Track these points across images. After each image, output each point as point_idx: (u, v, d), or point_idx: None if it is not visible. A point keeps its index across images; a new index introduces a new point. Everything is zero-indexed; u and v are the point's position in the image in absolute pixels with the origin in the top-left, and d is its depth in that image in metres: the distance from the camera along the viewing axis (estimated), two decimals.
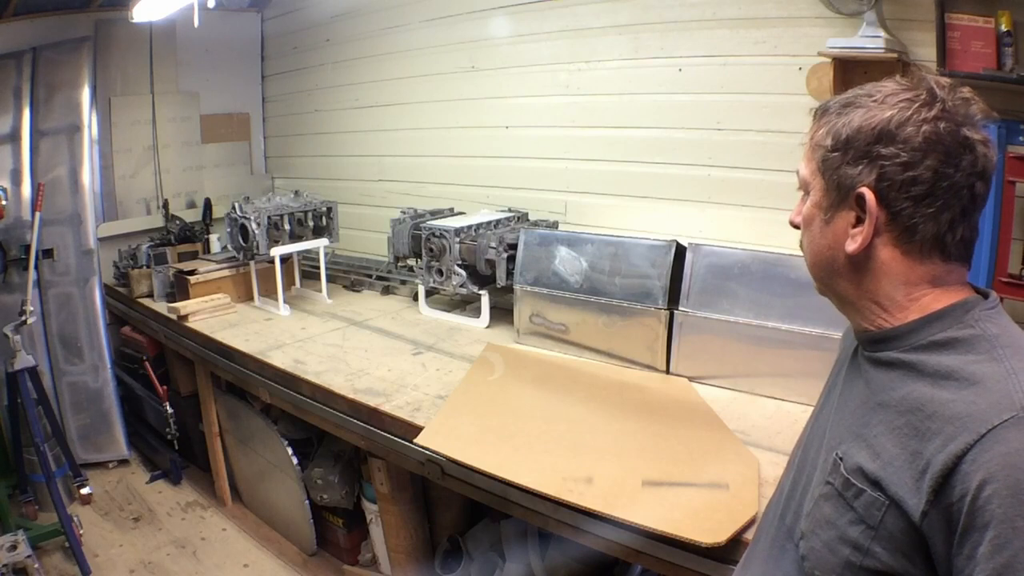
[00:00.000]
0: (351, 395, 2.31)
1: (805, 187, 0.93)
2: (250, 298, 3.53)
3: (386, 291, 3.63)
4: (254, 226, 3.21)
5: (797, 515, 0.94)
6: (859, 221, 0.85)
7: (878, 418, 0.83)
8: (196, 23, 2.81)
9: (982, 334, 0.80)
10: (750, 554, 1.11)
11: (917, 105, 0.80)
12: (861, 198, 0.83)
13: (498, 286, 2.88)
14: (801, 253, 0.97)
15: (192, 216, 4.23)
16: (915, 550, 0.76)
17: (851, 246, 0.85)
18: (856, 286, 0.89)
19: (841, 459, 0.85)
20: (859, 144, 0.83)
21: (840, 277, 0.90)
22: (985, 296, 0.86)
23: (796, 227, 0.96)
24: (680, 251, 2.37)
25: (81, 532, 3.03)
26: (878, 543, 0.78)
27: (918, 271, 0.84)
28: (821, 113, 0.90)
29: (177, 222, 4.09)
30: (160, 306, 3.47)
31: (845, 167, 0.85)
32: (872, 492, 0.79)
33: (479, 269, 2.89)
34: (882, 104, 0.82)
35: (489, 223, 3.06)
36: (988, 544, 0.68)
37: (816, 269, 0.94)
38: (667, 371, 2.37)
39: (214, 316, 3.28)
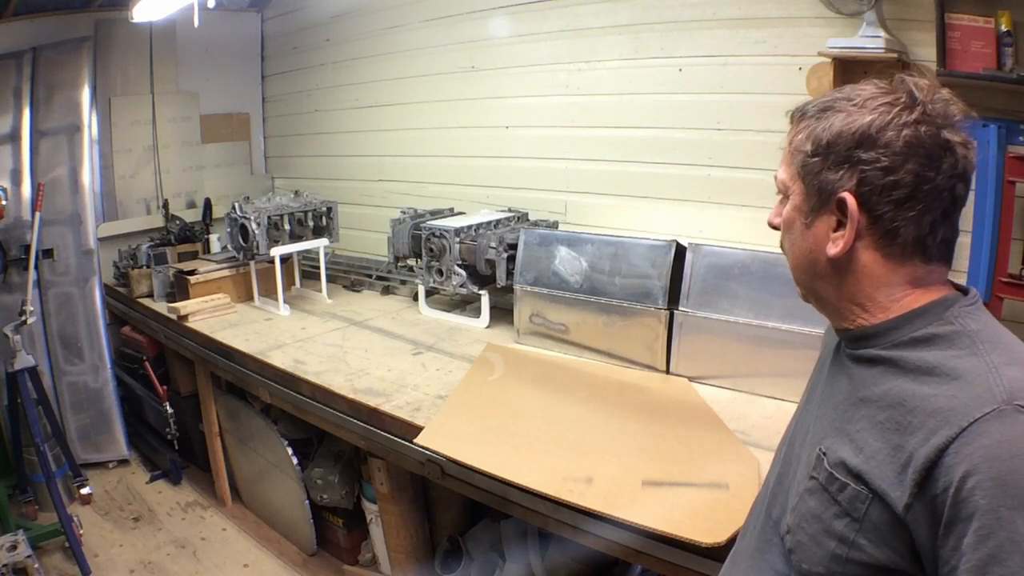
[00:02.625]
0: (351, 395, 2.31)
1: (784, 190, 0.93)
2: (250, 298, 3.53)
3: (386, 291, 3.63)
4: (254, 226, 3.21)
5: (783, 509, 0.95)
6: (840, 225, 0.85)
7: (860, 413, 0.84)
8: (196, 23, 2.81)
9: (962, 330, 0.81)
10: (737, 549, 1.11)
11: (897, 109, 0.80)
12: (842, 203, 0.83)
13: (498, 286, 2.88)
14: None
15: (192, 216, 4.23)
16: (900, 541, 0.77)
17: (833, 250, 0.86)
18: (837, 288, 0.89)
19: (824, 454, 0.87)
20: (839, 149, 0.83)
21: (821, 279, 0.91)
22: (965, 293, 0.86)
23: (775, 228, 0.97)
24: (680, 251, 2.37)
25: (81, 532, 3.03)
26: (863, 535, 0.79)
27: (899, 273, 0.85)
28: (799, 117, 0.90)
29: (177, 222, 4.09)
30: (160, 306, 3.47)
31: (826, 172, 0.84)
32: (856, 486, 0.80)
33: (479, 269, 2.89)
34: (862, 108, 0.82)
35: (489, 223, 3.06)
36: (973, 535, 0.69)
37: (797, 272, 0.95)
38: (667, 371, 2.37)
39: (214, 316, 3.28)
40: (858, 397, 0.86)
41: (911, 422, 0.76)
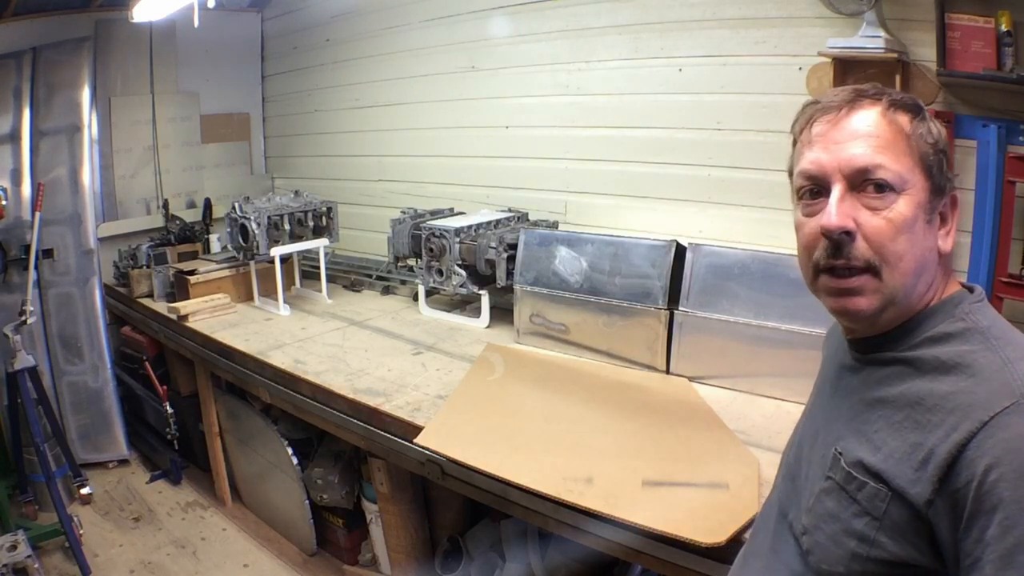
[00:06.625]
0: (351, 395, 2.31)
1: (900, 184, 0.82)
2: (250, 298, 3.53)
3: (386, 291, 3.63)
4: (254, 226, 3.21)
5: (797, 511, 0.96)
6: (943, 220, 0.88)
7: (877, 414, 0.85)
8: (196, 23, 2.81)
9: (974, 326, 0.83)
10: (748, 551, 1.11)
11: None
12: (955, 200, 0.88)
13: (498, 286, 2.87)
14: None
15: (192, 216, 4.23)
16: (920, 537, 0.78)
17: (947, 245, 0.88)
18: (921, 285, 0.86)
19: (841, 454, 0.87)
20: (944, 147, 0.87)
21: (920, 279, 0.85)
22: (971, 290, 0.89)
23: (847, 233, 0.82)
24: (680, 251, 2.37)
25: (81, 532, 3.03)
26: (884, 533, 0.80)
27: (942, 263, 0.89)
28: (916, 109, 0.86)
29: (177, 222, 4.09)
30: (160, 306, 3.47)
31: (944, 167, 0.87)
32: (874, 484, 0.81)
33: (479, 269, 2.89)
34: None
35: (489, 223, 3.06)
36: (997, 526, 0.69)
37: (910, 276, 0.84)
38: (667, 371, 2.37)
39: (214, 316, 3.28)
40: (873, 398, 0.87)
41: (930, 420, 0.77)
